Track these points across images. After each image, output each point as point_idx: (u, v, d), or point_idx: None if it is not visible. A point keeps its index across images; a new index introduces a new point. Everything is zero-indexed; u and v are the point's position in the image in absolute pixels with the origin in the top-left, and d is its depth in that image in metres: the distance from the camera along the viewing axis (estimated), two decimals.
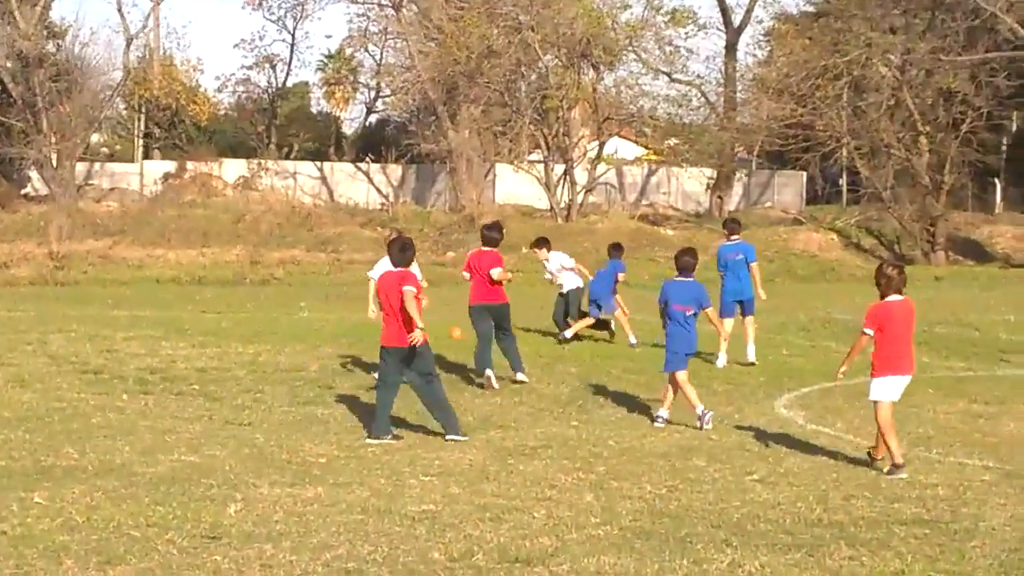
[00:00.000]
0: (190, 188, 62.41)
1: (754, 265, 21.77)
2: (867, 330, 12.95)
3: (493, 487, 11.91)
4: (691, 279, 15.69)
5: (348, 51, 76.06)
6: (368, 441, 14.15)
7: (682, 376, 15.53)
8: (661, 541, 10.08)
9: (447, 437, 14.20)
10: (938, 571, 9.35)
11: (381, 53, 72.93)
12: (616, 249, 24.34)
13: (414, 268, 15.38)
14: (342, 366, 20.19)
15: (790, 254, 52.54)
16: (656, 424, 15.46)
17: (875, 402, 12.94)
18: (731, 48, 64.13)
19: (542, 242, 23.89)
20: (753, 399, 17.87)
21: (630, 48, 61.05)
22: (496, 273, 18.46)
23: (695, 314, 15.56)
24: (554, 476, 12.43)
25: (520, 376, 18.66)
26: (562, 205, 58.02)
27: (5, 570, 8.97)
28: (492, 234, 18.87)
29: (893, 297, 12.93)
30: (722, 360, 20.73)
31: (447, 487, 11.86)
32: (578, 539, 10.12)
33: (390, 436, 14.30)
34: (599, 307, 23.41)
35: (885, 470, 12.66)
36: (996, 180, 65.85)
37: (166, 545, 9.68)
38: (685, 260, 15.77)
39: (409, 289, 14.10)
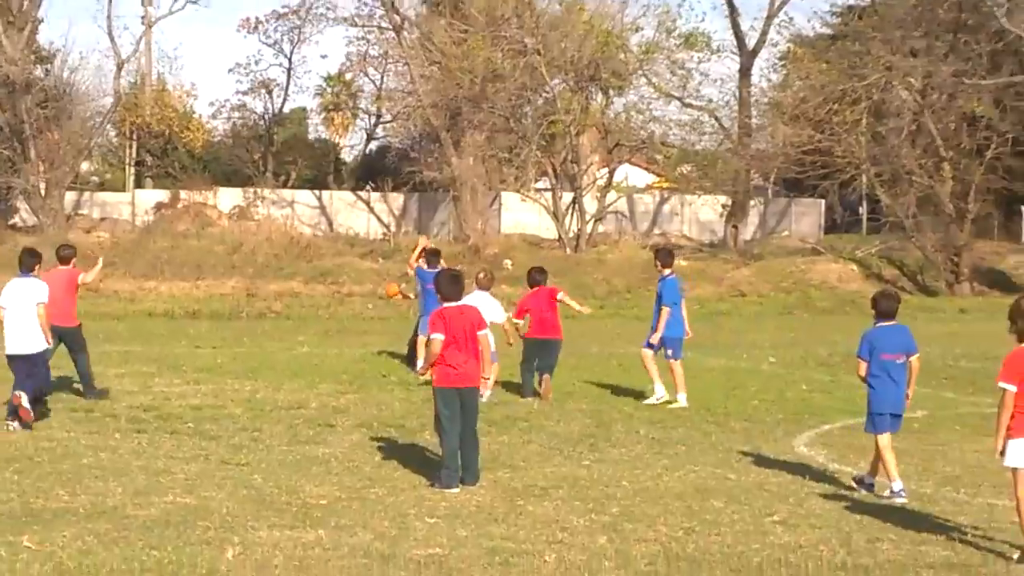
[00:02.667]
0: (184, 218, 62.43)
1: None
2: (1006, 385, 10.98)
3: (502, 529, 11.88)
4: (895, 323, 14.20)
5: (347, 76, 76.22)
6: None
7: (884, 441, 13.90)
8: None
9: None
10: None
11: (382, 78, 73.12)
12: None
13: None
14: (343, 404, 20.17)
15: (808, 285, 52.53)
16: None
17: (1014, 470, 11.02)
18: (745, 72, 63.91)
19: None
20: (772, 437, 17.84)
21: (641, 72, 61.19)
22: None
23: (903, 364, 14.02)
24: (565, 518, 12.39)
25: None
26: (571, 235, 58.07)
27: None
28: (64, 252, 20.91)
29: None
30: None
31: (454, 530, 11.83)
32: None
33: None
34: None
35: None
36: (1023, 208, 65.66)
37: None
38: (889, 304, 14.29)
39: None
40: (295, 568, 10.39)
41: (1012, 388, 10.92)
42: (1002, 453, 11.07)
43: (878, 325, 14.16)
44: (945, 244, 55.25)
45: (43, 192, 57.64)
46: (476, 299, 18.91)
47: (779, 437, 17.84)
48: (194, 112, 76.00)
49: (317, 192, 69.74)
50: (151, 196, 67.25)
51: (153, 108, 70.06)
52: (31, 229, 59.20)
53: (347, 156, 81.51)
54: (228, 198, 66.60)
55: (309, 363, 25.76)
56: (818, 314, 46.06)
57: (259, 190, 67.22)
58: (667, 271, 20.94)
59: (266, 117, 76.81)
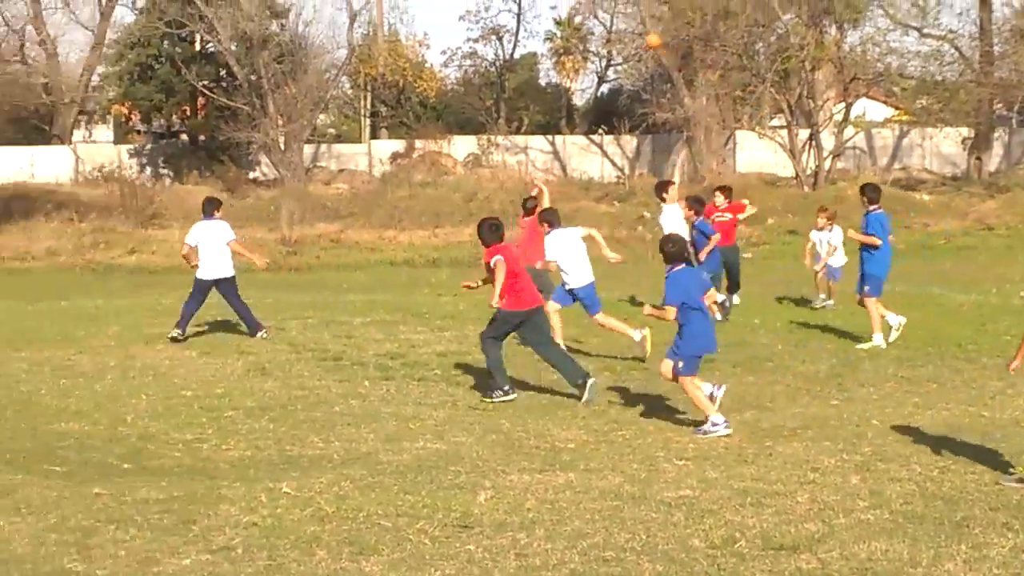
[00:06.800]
0: (419, 167, 63.21)
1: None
2: None
3: (752, 471, 11.85)
4: None
5: (577, 19, 76.19)
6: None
7: None
8: (936, 525, 9.93)
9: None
10: None
11: (611, 20, 72.91)
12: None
13: None
14: (586, 347, 20.26)
15: None
16: None
17: None
18: None
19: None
20: None
21: (876, 3, 59.94)
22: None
23: None
24: (816, 458, 12.31)
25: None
26: (808, 172, 57.28)
27: (259, 561, 9.24)
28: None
29: None
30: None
31: (703, 471, 11.84)
32: (846, 524, 10.03)
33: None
34: None
35: None
36: None
37: (418, 535, 9.86)
38: None
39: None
40: (547, 510, 10.51)
41: None
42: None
43: None
44: None
45: (282, 145, 58.90)
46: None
47: None
48: (426, 61, 76.85)
49: (550, 137, 69.97)
50: (387, 146, 68.26)
51: (386, 59, 70.97)
52: (271, 183, 60.59)
53: (579, 100, 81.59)
54: (462, 146, 67.23)
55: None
56: None
57: (492, 137, 67.69)
58: (873, 207, 20.41)
59: (497, 64, 77.26)
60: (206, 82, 62.63)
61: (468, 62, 77.86)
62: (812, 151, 57.73)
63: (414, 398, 16.19)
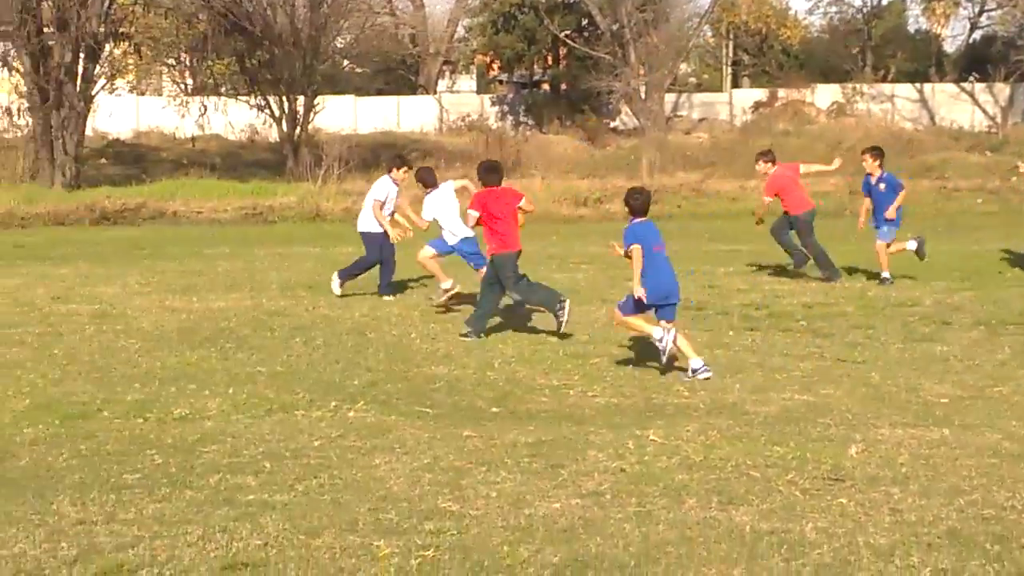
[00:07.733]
0: (782, 116, 62.61)
1: None
2: None
3: None
4: None
5: None
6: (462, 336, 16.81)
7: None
8: None
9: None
10: None
11: None
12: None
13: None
14: (957, 301, 19.74)
15: None
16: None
17: None
18: None
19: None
20: None
21: None
22: None
23: None
24: None
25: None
26: None
27: (628, 507, 9.28)
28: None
29: None
30: None
31: None
32: None
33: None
34: None
35: None
36: None
37: (787, 486, 9.76)
38: None
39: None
40: (921, 466, 10.28)
41: None
42: None
43: None
44: None
45: (643, 95, 59.06)
46: None
47: None
48: (790, 9, 76.29)
49: (918, 85, 68.38)
50: (748, 95, 67.84)
51: (750, 6, 70.45)
52: (632, 132, 60.85)
53: (949, 47, 79.50)
54: (826, 95, 66.26)
55: (915, 260, 25.31)
56: None
57: (857, 85, 66.55)
58: None
59: (864, 10, 75.88)
60: (568, 31, 63.29)
61: (833, 9, 76.85)
62: None
63: (779, 349, 16.03)
